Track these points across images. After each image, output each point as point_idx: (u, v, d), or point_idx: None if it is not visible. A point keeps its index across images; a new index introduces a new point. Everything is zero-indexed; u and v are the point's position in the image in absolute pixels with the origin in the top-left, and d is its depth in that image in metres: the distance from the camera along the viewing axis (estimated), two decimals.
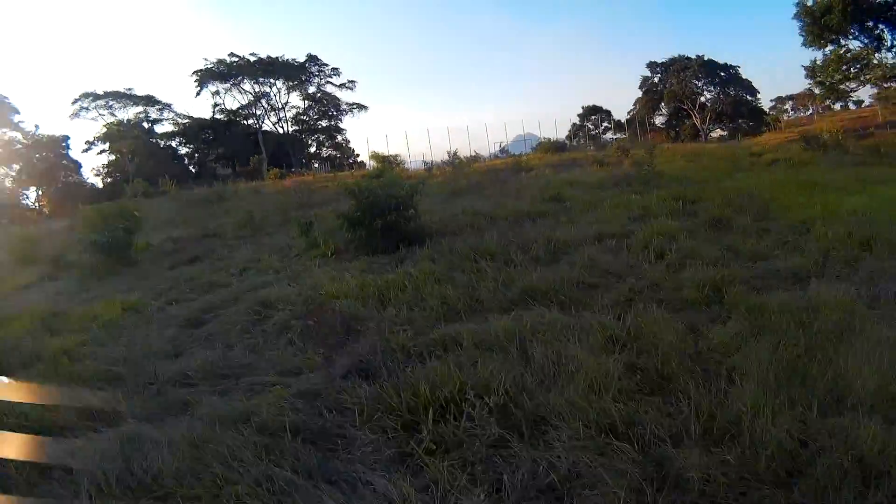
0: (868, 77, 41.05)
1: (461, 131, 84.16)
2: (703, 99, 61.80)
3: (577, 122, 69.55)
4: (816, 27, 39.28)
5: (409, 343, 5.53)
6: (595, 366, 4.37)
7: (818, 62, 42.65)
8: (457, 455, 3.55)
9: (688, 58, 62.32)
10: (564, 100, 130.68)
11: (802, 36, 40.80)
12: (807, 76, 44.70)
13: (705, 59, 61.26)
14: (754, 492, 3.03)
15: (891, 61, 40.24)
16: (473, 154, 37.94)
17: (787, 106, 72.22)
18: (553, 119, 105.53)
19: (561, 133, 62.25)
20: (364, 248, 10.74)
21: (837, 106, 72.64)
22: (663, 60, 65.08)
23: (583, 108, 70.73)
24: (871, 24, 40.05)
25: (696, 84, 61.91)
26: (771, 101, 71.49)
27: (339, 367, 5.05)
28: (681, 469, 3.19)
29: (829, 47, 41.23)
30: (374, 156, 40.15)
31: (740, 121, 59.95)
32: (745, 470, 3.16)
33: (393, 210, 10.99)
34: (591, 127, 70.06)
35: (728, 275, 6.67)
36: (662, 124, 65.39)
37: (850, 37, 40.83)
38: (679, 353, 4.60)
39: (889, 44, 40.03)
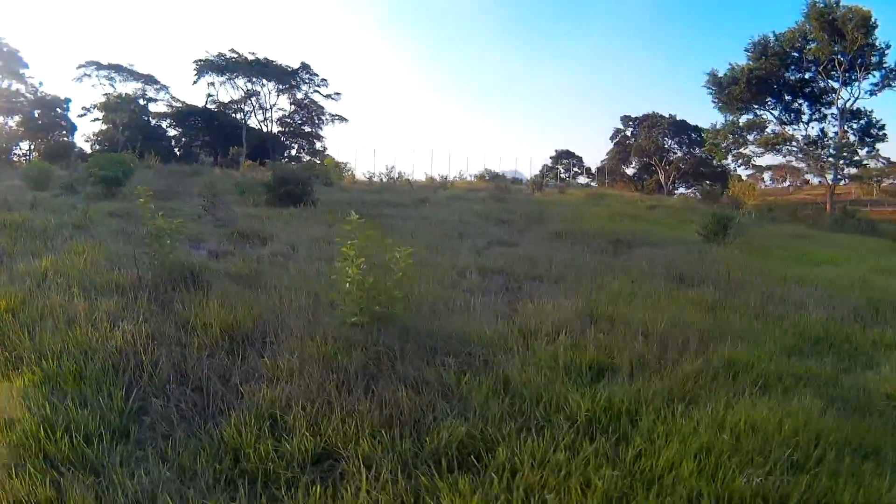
0: (759, 141, 47.83)
1: (445, 156, 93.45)
2: (672, 157, 68.45)
3: (550, 164, 77.98)
4: (724, 96, 46.56)
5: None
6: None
7: (715, 127, 49.76)
8: None
9: (660, 115, 68.96)
10: (546, 140, 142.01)
11: (714, 103, 48.19)
12: (706, 139, 51.90)
13: (677, 118, 67.94)
14: None
15: (802, 133, 47.68)
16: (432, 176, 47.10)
17: (766, 175, 78.97)
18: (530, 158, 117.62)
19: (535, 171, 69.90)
20: (272, 202, 17.94)
21: (816, 181, 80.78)
22: (637, 115, 71.69)
23: (556, 150, 79.15)
24: (789, 97, 47.65)
25: (665, 141, 68.65)
26: (749, 168, 78.04)
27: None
28: None
29: (747, 115, 48.36)
30: (329, 160, 50.30)
31: (706, 182, 66.37)
32: None
33: (293, 183, 18.32)
34: (562, 170, 78.08)
35: None
36: (632, 176, 72.46)
37: (767, 108, 48.21)
38: None
39: (808, 117, 47.75)
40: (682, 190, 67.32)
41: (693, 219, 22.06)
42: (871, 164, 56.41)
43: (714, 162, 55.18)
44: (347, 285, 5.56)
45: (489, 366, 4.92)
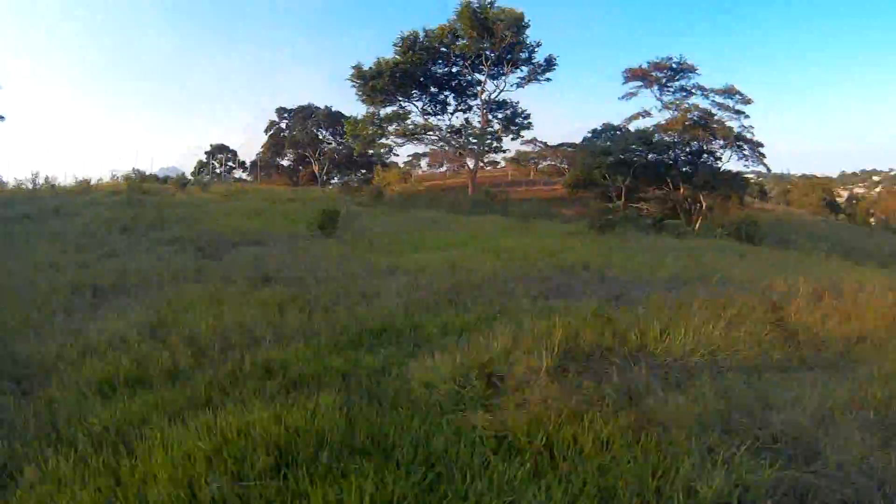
0: (397, 132, 51.25)
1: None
2: (326, 147, 69.60)
3: (205, 159, 74.84)
4: (368, 89, 48.48)
5: None
6: None
7: (357, 118, 52.32)
8: None
9: (316, 107, 70.01)
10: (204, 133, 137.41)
11: (358, 96, 49.89)
12: (347, 130, 53.91)
13: (332, 109, 69.10)
14: None
15: (446, 122, 52.03)
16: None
17: (423, 162, 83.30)
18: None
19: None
20: None
21: (470, 163, 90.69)
22: (292, 107, 71.93)
23: (211, 145, 76.14)
24: (435, 90, 51.52)
25: (319, 132, 69.99)
26: (409, 156, 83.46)
27: None
28: None
29: (392, 107, 51.24)
30: None
31: (361, 171, 68.78)
32: None
33: None
34: (217, 165, 75.66)
35: None
36: (287, 168, 72.83)
37: (412, 99, 51.53)
38: None
39: (454, 108, 52.36)
40: (336, 180, 69.69)
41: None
42: (529, 147, 66.23)
43: (354, 152, 56.90)
44: None
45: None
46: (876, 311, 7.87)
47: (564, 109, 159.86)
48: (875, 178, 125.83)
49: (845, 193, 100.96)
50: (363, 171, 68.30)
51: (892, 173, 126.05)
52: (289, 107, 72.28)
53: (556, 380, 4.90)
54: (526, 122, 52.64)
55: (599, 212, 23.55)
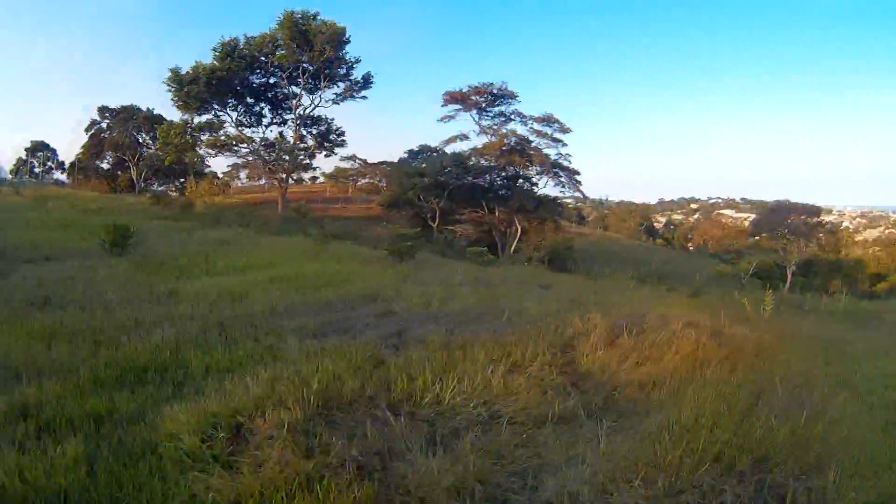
0: (209, 142, 49.93)
1: None
2: (146, 152, 65.65)
3: (24, 158, 68.00)
4: (183, 94, 46.24)
5: None
6: None
7: (172, 124, 50.63)
8: None
9: (138, 108, 65.95)
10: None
11: (173, 101, 47.42)
12: (160, 137, 52.09)
13: (154, 112, 64.97)
14: None
15: (261, 135, 51.13)
16: None
17: (242, 174, 78.18)
18: None
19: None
20: None
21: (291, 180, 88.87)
22: (115, 107, 67.28)
23: (31, 142, 70.52)
24: (252, 100, 50.55)
25: (140, 136, 66.29)
26: (228, 166, 78.28)
27: None
28: None
29: (207, 115, 49.51)
30: None
31: (180, 180, 66.10)
32: None
33: None
34: (37, 164, 68.88)
35: None
36: (107, 172, 67.44)
37: (228, 109, 50.00)
38: None
39: (269, 121, 51.63)
40: (155, 187, 66.11)
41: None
42: (348, 164, 66.23)
43: (166, 161, 54.37)
44: None
45: None
46: (677, 351, 7.54)
47: (390, 128, 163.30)
48: (693, 206, 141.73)
49: (663, 219, 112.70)
50: (181, 179, 65.56)
51: (710, 202, 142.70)
52: (112, 106, 67.52)
53: (301, 437, 4.48)
54: (340, 139, 52.96)
55: (398, 237, 23.96)
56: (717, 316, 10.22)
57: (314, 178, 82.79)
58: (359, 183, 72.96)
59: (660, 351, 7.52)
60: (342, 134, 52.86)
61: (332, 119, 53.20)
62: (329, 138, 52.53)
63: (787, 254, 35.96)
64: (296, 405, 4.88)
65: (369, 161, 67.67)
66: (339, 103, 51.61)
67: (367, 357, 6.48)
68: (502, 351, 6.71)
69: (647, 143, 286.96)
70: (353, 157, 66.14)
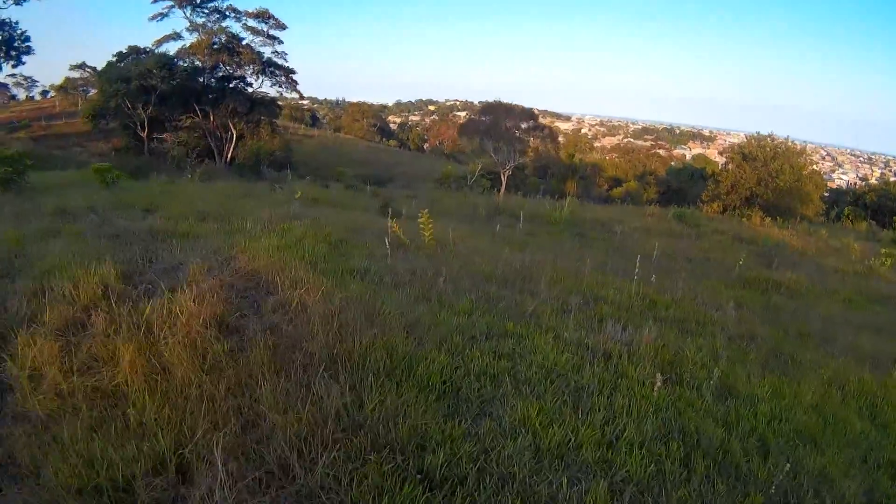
0: None
1: None
2: None
3: None
4: None
5: None
6: None
7: None
8: None
9: None
10: None
11: None
12: None
13: None
14: None
15: None
16: None
17: None
18: None
19: None
20: None
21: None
22: None
23: None
24: None
25: None
26: None
27: None
28: None
29: None
30: None
31: None
32: None
33: None
34: None
35: None
36: None
37: None
38: None
39: None
40: None
41: None
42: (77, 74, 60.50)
43: None
44: None
45: None
46: None
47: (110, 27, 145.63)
48: (430, 108, 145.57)
49: (398, 121, 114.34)
50: None
51: (448, 103, 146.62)
52: None
53: None
54: (24, 45, 45.96)
55: None
56: None
57: (45, 93, 74.56)
58: (90, 94, 64.76)
59: None
60: (27, 39, 45.84)
61: (17, 22, 45.53)
62: (13, 45, 45.29)
63: (498, 156, 36.60)
64: None
65: (99, 69, 59.94)
66: (22, 4, 43.72)
67: None
68: None
69: (388, 47, 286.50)
70: (82, 66, 59.45)
